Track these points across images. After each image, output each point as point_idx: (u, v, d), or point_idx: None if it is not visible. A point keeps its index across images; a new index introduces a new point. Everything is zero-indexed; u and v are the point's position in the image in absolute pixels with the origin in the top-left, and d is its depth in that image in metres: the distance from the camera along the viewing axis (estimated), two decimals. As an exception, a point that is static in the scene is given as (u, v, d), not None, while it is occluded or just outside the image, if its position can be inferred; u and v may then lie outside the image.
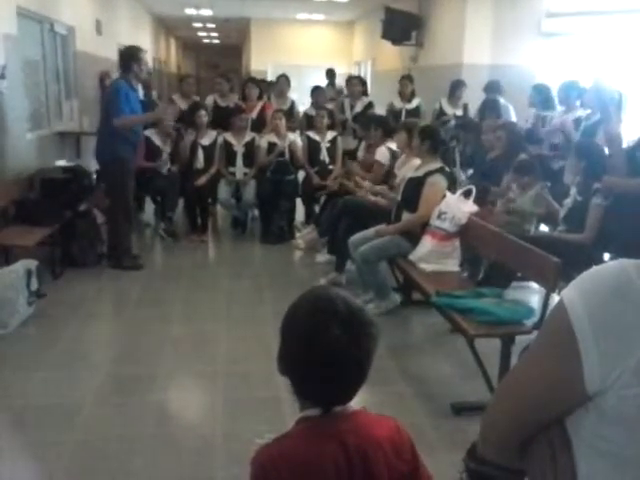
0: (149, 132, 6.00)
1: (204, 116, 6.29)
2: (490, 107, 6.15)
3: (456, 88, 7.18)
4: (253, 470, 1.19)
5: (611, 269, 0.86)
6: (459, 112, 7.11)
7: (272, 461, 1.17)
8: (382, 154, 5.27)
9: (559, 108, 5.83)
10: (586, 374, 0.82)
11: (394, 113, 7.42)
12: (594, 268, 0.88)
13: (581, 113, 5.43)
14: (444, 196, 4.11)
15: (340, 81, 10.34)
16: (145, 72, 5.21)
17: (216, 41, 25.54)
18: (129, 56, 5.04)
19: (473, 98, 7.07)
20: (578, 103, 5.54)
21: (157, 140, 6.12)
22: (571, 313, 0.84)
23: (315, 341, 1.16)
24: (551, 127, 5.67)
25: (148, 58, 6.37)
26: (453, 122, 6.67)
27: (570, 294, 0.86)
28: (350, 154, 6.56)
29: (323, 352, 1.15)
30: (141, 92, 6.49)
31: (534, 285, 4.47)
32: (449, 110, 7.18)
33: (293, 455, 1.17)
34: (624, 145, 4.20)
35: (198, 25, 19.15)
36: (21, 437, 2.87)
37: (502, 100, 6.53)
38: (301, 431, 1.21)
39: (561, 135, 5.54)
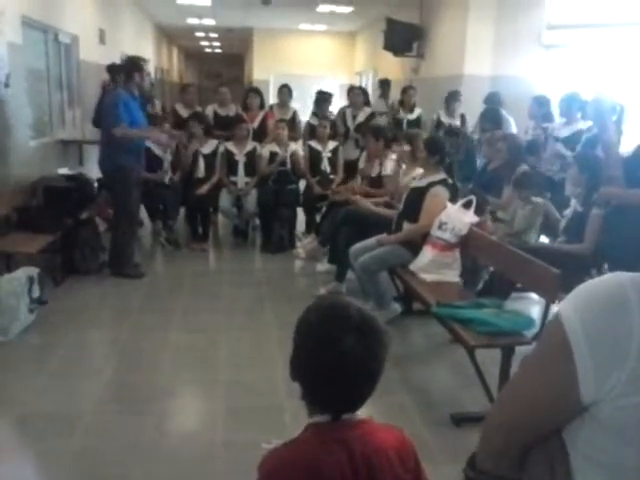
0: (148, 142, 5.97)
1: (197, 127, 6.30)
2: (488, 117, 6.16)
3: (451, 99, 7.22)
4: (260, 474, 1.20)
5: (606, 283, 0.88)
6: (457, 122, 7.15)
7: (279, 466, 1.18)
8: (392, 168, 5.27)
9: (557, 120, 5.85)
10: (581, 385, 0.84)
11: (395, 122, 7.46)
12: (590, 282, 0.90)
13: (582, 125, 5.46)
14: (445, 207, 4.13)
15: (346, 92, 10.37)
16: (148, 82, 5.23)
17: (218, 50, 25.67)
18: (131, 65, 5.08)
19: (474, 109, 7.11)
20: (579, 115, 5.56)
21: (157, 149, 6.13)
22: (567, 326, 0.86)
23: (329, 347, 1.17)
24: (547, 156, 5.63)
25: (150, 67, 6.40)
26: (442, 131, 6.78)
27: (566, 307, 0.88)
28: (351, 164, 6.59)
29: (337, 358, 1.16)
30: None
31: (534, 296, 4.48)
32: (446, 120, 7.22)
33: (300, 461, 1.17)
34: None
35: (200, 35, 19.27)
36: (21, 444, 2.87)
37: (503, 112, 6.56)
38: (309, 437, 1.22)
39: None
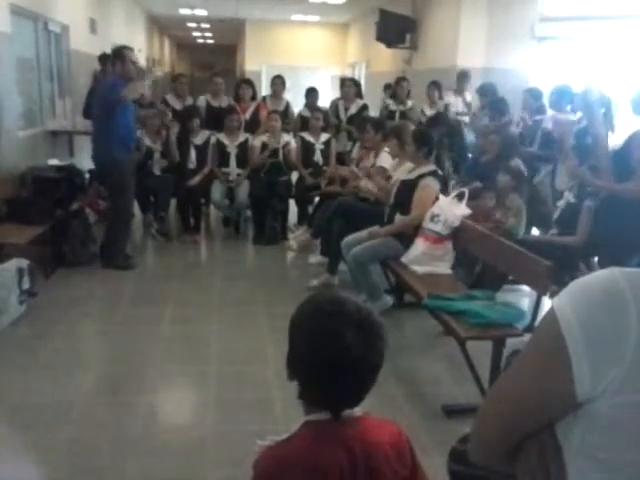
0: (139, 133, 5.91)
1: (194, 122, 6.27)
2: (496, 107, 6.20)
3: (432, 90, 7.29)
4: (255, 473, 1.18)
5: (602, 278, 0.87)
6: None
7: (276, 464, 1.16)
8: (385, 160, 5.25)
9: (549, 112, 5.86)
10: (576, 382, 0.84)
11: (388, 114, 7.45)
12: (584, 277, 0.89)
13: (571, 118, 5.45)
14: (437, 199, 4.13)
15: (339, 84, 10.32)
16: (133, 69, 5.10)
17: (210, 41, 25.52)
18: (113, 55, 5.07)
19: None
20: (569, 108, 5.56)
21: (147, 140, 6.08)
22: (562, 322, 0.85)
23: (329, 343, 1.15)
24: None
25: (142, 57, 6.33)
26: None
27: (561, 303, 0.87)
28: (344, 156, 6.57)
29: (338, 354, 1.14)
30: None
31: (525, 288, 4.50)
32: (428, 112, 7.27)
33: (298, 459, 1.15)
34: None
35: (192, 25, 19.15)
36: (10, 436, 2.86)
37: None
38: (307, 435, 1.19)
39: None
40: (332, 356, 1.15)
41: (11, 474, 2.59)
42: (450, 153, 6.42)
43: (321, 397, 1.21)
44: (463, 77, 7.38)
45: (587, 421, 0.86)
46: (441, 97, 7.37)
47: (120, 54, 5.00)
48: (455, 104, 7.26)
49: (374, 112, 7.59)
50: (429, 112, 7.28)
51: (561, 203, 4.21)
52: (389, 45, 10.13)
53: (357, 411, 1.23)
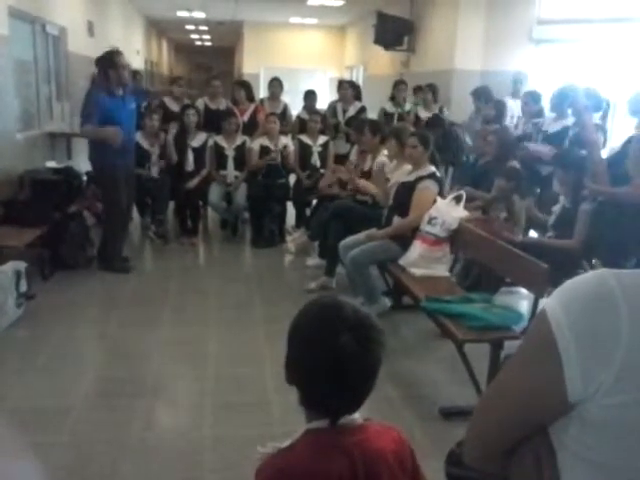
0: (136, 136, 5.86)
1: (193, 115, 6.26)
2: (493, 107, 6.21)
3: (426, 93, 7.37)
4: None
5: (592, 279, 0.87)
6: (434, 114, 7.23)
7: (278, 472, 1.16)
8: (383, 163, 5.24)
9: (548, 114, 5.87)
10: (568, 383, 0.83)
11: (386, 117, 7.45)
12: (575, 279, 0.89)
13: (571, 121, 5.46)
14: (435, 201, 4.13)
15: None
16: (127, 75, 4.94)
17: (208, 43, 25.51)
18: (104, 63, 4.86)
19: (464, 104, 7.13)
20: (570, 111, 5.56)
21: (145, 143, 6.05)
22: (553, 323, 0.85)
23: (326, 348, 1.15)
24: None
25: (140, 60, 6.30)
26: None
27: (552, 304, 0.87)
28: (342, 159, 6.56)
29: (334, 358, 1.15)
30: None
31: (523, 290, 4.50)
32: (423, 114, 7.28)
33: (299, 466, 1.15)
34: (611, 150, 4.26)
35: (191, 27, 19.14)
36: (7, 439, 2.84)
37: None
38: (308, 443, 1.19)
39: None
40: (327, 359, 1.15)
41: (7, 477, 2.58)
42: (447, 155, 6.42)
43: (319, 401, 1.21)
44: (519, 79, 7.32)
45: (580, 423, 0.86)
46: (436, 100, 7.39)
47: (111, 61, 4.81)
48: (511, 108, 6.88)
49: (372, 114, 7.59)
50: (423, 115, 7.29)
51: (556, 208, 4.21)
52: (387, 48, 10.14)
53: (358, 418, 1.23)
